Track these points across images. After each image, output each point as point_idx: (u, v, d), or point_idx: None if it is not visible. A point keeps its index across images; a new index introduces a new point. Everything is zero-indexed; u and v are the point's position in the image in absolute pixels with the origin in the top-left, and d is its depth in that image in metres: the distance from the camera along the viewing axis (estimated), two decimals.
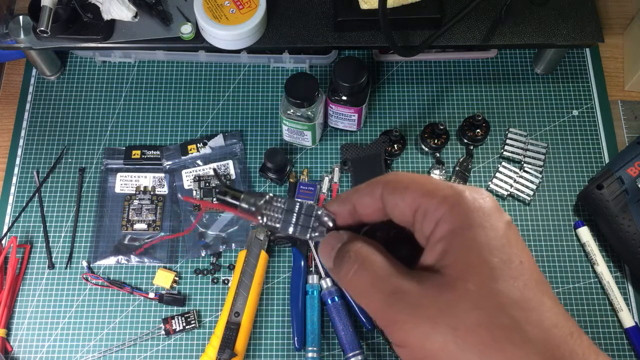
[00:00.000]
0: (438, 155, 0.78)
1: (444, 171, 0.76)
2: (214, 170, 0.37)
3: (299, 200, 0.35)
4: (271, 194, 0.34)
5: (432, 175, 0.76)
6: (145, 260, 0.73)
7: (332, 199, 0.34)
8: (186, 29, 0.73)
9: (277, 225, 0.33)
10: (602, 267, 0.72)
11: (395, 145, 0.77)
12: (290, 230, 0.33)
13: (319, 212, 0.33)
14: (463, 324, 0.26)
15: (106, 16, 0.72)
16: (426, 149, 0.78)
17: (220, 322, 0.67)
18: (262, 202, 0.34)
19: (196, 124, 0.81)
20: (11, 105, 0.83)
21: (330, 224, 0.33)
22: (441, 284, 0.27)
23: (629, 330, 0.69)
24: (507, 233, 0.28)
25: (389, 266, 0.29)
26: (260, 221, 0.34)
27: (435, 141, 0.77)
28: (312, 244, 0.72)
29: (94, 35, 0.74)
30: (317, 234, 0.33)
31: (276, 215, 0.33)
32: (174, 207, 0.75)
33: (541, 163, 0.77)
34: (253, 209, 0.34)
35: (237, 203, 0.34)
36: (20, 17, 0.74)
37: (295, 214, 0.33)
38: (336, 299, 0.69)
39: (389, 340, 0.28)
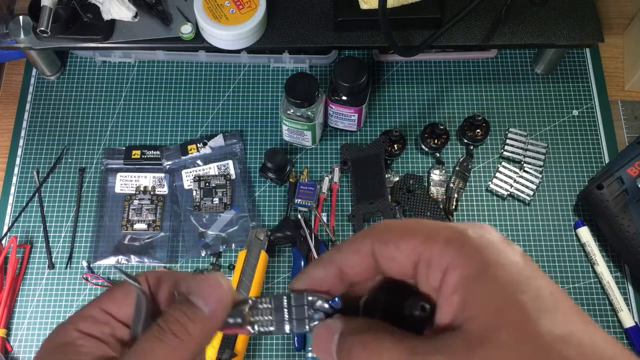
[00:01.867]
0: (438, 155, 0.78)
1: (444, 171, 0.76)
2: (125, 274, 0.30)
3: (285, 293, 0.30)
4: (253, 298, 0.30)
5: (432, 175, 0.76)
6: (145, 260, 0.73)
7: (315, 262, 0.30)
8: (186, 29, 0.73)
9: (272, 329, 0.30)
10: (602, 267, 0.72)
11: (395, 145, 0.77)
12: (287, 328, 0.29)
13: (310, 299, 0.29)
14: None
15: (106, 16, 0.72)
16: (426, 149, 0.78)
17: None
18: (247, 310, 0.29)
19: (196, 124, 0.81)
20: (11, 105, 0.82)
21: (327, 306, 0.29)
22: (470, 342, 0.23)
23: (629, 330, 0.69)
24: (526, 265, 0.24)
25: (405, 342, 0.24)
26: (252, 331, 0.30)
27: (435, 141, 0.77)
28: (312, 245, 0.72)
29: (94, 35, 0.74)
30: (316, 322, 0.29)
31: (266, 319, 0.30)
32: (174, 207, 0.75)
33: (541, 163, 0.77)
34: (239, 320, 0.29)
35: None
36: (20, 17, 0.74)
37: (285, 310, 0.30)
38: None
39: None
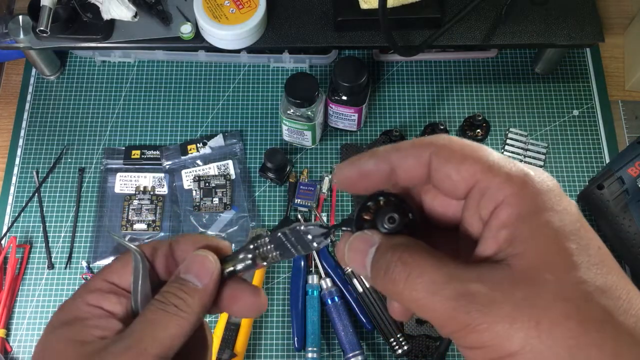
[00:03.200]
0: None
1: None
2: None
3: (279, 231, 0.33)
4: (255, 242, 0.33)
5: None
6: None
7: (366, 153, 0.28)
8: (186, 29, 0.73)
9: (279, 258, 0.33)
10: None
11: None
12: (294, 252, 0.32)
13: (302, 228, 0.31)
14: (547, 318, 0.22)
15: (106, 16, 0.72)
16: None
17: (220, 322, 0.67)
18: (254, 251, 0.32)
19: (196, 124, 0.81)
20: (11, 105, 0.82)
21: (323, 231, 0.31)
22: (513, 277, 0.23)
23: None
24: (579, 217, 0.25)
25: (445, 266, 0.24)
26: (265, 264, 0.33)
27: None
28: None
29: (93, 35, 0.74)
30: (316, 244, 0.31)
31: (273, 255, 0.32)
32: (173, 207, 0.75)
33: (541, 163, 0.77)
34: (250, 262, 0.33)
35: (233, 269, 0.33)
36: (20, 17, 0.74)
37: (287, 243, 0.32)
38: (336, 299, 0.69)
39: (459, 344, 0.24)
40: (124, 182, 0.76)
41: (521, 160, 0.77)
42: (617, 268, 0.24)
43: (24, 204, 0.76)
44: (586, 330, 0.22)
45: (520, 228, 0.24)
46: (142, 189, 0.76)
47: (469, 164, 0.26)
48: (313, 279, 0.71)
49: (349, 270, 0.70)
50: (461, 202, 0.27)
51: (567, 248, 0.24)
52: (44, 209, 0.76)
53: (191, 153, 0.77)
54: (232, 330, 0.66)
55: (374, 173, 0.28)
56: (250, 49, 0.75)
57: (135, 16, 0.73)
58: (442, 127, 0.75)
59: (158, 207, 0.75)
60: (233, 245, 0.73)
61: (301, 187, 0.75)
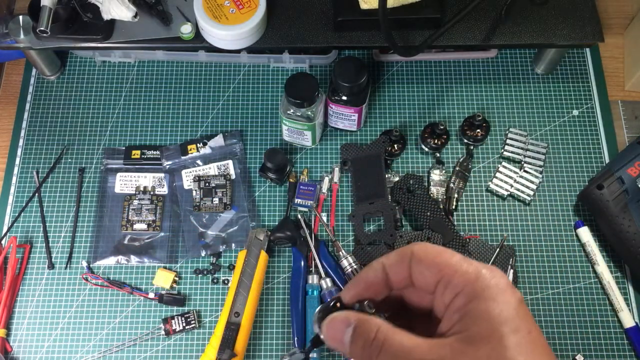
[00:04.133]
0: (438, 155, 0.78)
1: (444, 171, 0.76)
2: None
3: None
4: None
5: (432, 175, 0.76)
6: (145, 260, 0.73)
7: (366, 269, 0.37)
8: (186, 29, 0.73)
9: None
10: (602, 267, 0.72)
11: (395, 145, 0.77)
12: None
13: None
14: None
15: (106, 16, 0.72)
16: (426, 149, 0.78)
17: (220, 322, 0.67)
18: None
19: (196, 124, 0.81)
20: (11, 105, 0.82)
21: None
22: (460, 344, 0.31)
23: (629, 331, 0.69)
24: (517, 307, 0.32)
25: (410, 341, 0.32)
26: None
27: (435, 141, 0.77)
28: (312, 245, 0.72)
29: (93, 35, 0.74)
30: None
31: None
32: (173, 207, 0.75)
33: (541, 163, 0.77)
34: None
35: None
36: (20, 17, 0.74)
37: None
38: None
39: None
40: (124, 182, 0.76)
41: (521, 161, 0.77)
42: (543, 347, 0.31)
43: (24, 204, 0.76)
44: None
45: (467, 313, 0.32)
46: (142, 189, 0.76)
47: (437, 263, 0.33)
48: (313, 279, 0.71)
49: (349, 270, 0.70)
50: (432, 295, 0.35)
51: (499, 331, 0.31)
52: (44, 209, 0.76)
53: (191, 153, 0.77)
54: (232, 330, 0.66)
55: (375, 283, 0.36)
56: (250, 49, 0.75)
57: (135, 16, 0.73)
58: (442, 127, 0.75)
59: (158, 207, 0.75)
60: (233, 245, 0.73)
61: (301, 187, 0.76)
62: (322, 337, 0.34)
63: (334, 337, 0.34)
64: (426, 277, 0.34)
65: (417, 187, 0.75)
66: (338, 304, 0.35)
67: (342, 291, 0.36)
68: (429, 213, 0.73)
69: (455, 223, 0.74)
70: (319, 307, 0.35)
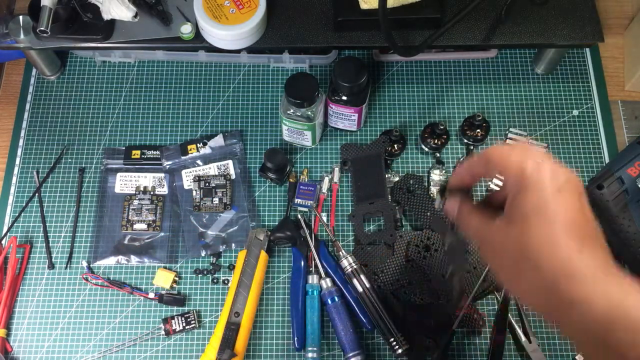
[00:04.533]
0: (438, 155, 0.78)
1: (444, 171, 0.76)
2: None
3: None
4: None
5: (432, 175, 0.76)
6: (145, 260, 0.73)
7: (459, 167, 0.52)
8: (186, 29, 0.73)
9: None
10: None
11: (395, 145, 0.77)
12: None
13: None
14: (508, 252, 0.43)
15: (106, 16, 0.72)
16: (426, 149, 0.78)
17: (220, 322, 0.67)
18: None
19: (196, 124, 0.81)
20: (11, 105, 0.83)
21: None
22: (498, 227, 0.44)
23: None
24: (548, 195, 0.41)
25: (477, 220, 0.47)
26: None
27: (435, 141, 0.77)
28: (312, 245, 0.72)
29: (94, 35, 0.74)
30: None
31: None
32: (173, 207, 0.75)
33: None
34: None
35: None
36: (20, 17, 0.74)
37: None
38: (336, 299, 0.69)
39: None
40: (124, 182, 0.76)
41: None
42: (568, 225, 0.40)
43: (24, 204, 0.76)
44: (520, 264, 0.42)
45: (512, 203, 0.43)
46: (142, 189, 0.76)
47: (501, 166, 0.44)
48: (313, 279, 0.71)
49: (349, 270, 0.70)
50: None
51: (528, 217, 0.41)
52: (44, 209, 0.76)
53: (191, 153, 0.77)
54: (232, 330, 0.66)
55: (465, 176, 0.50)
56: (250, 49, 0.75)
57: (135, 16, 0.73)
58: (442, 127, 0.75)
59: (158, 207, 0.75)
60: (233, 245, 0.73)
61: (301, 187, 0.76)
62: (441, 206, 0.53)
63: (449, 208, 0.51)
64: (501, 172, 0.45)
65: (417, 187, 0.75)
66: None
67: (449, 181, 0.52)
68: (429, 213, 0.73)
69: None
70: (439, 188, 0.62)
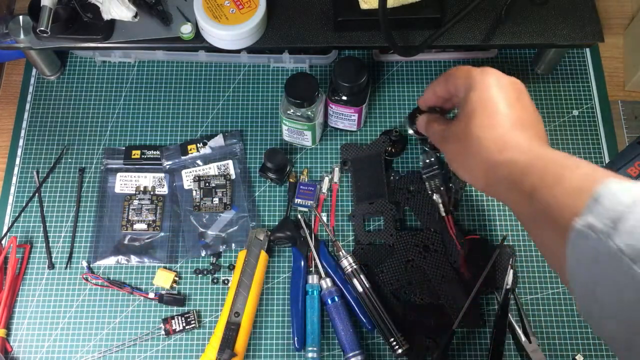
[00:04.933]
0: (439, 155, 0.78)
1: (444, 171, 0.76)
2: None
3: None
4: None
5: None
6: (145, 260, 0.73)
7: (425, 90, 0.61)
8: (186, 29, 0.73)
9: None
10: None
11: (396, 145, 0.77)
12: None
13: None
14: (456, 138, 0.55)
15: (106, 16, 0.72)
16: (426, 149, 0.78)
17: (220, 322, 0.67)
18: None
19: (196, 124, 0.81)
20: (11, 105, 0.83)
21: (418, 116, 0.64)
22: (451, 125, 0.56)
23: None
24: (491, 90, 0.52)
25: (440, 125, 0.59)
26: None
27: None
28: (312, 245, 0.72)
29: (94, 35, 0.74)
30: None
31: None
32: (174, 207, 0.75)
33: None
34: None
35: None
36: (20, 17, 0.74)
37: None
38: (336, 299, 0.69)
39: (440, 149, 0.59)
40: (124, 182, 0.76)
41: None
42: (494, 115, 0.51)
43: (24, 204, 0.76)
44: (465, 144, 0.53)
45: (462, 102, 0.54)
46: (142, 189, 0.76)
47: (457, 76, 0.55)
48: (313, 279, 0.71)
49: (349, 270, 0.70)
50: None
51: (467, 111, 0.53)
52: (44, 209, 0.76)
53: (191, 153, 0.77)
54: (232, 330, 0.66)
55: (432, 96, 0.61)
56: (250, 49, 0.75)
57: (135, 16, 0.73)
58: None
59: (158, 207, 0.75)
60: (233, 245, 0.73)
61: (301, 187, 0.76)
62: (413, 129, 0.66)
63: (419, 123, 0.63)
64: (454, 85, 0.55)
65: (417, 187, 0.75)
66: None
67: (418, 102, 0.64)
68: (429, 213, 0.73)
69: (455, 223, 0.74)
70: (408, 114, 0.67)
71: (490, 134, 0.50)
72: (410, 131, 0.68)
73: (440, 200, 0.73)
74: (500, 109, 0.50)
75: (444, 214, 0.72)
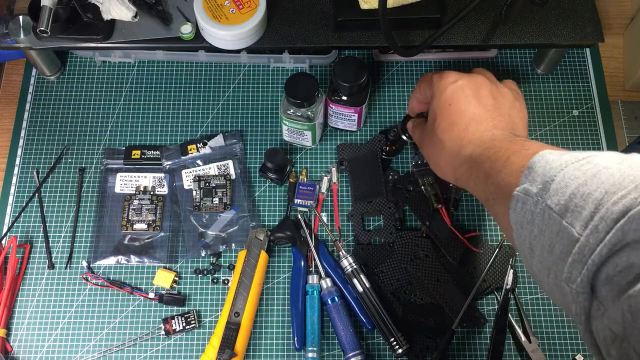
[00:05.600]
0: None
1: None
2: None
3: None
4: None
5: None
6: (145, 260, 0.73)
7: (410, 97, 0.67)
8: (186, 29, 0.73)
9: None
10: None
11: (394, 145, 0.77)
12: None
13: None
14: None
15: (106, 16, 0.72)
16: (416, 152, 0.77)
17: (220, 322, 0.67)
18: None
19: (196, 124, 0.81)
20: (11, 105, 0.83)
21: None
22: (423, 129, 0.63)
23: None
24: (448, 92, 0.58)
25: (418, 128, 0.65)
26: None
27: None
28: (312, 245, 0.72)
29: (94, 35, 0.74)
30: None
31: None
32: (173, 207, 0.75)
33: None
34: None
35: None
36: (20, 17, 0.74)
37: None
38: (336, 299, 0.69)
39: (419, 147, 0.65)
40: (124, 182, 0.76)
41: None
42: (457, 117, 0.56)
43: (24, 204, 0.76)
44: (431, 141, 0.60)
45: (430, 108, 0.60)
46: (142, 189, 0.76)
47: (428, 83, 0.61)
48: (313, 279, 0.71)
49: (349, 270, 0.70)
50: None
51: (434, 113, 0.59)
52: (44, 209, 0.76)
53: (191, 153, 0.77)
54: (232, 330, 0.66)
55: (415, 103, 0.66)
56: (250, 49, 0.75)
57: (135, 16, 0.73)
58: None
59: (158, 207, 0.75)
60: (233, 245, 0.73)
61: (300, 187, 0.76)
62: (405, 135, 0.70)
63: (407, 127, 0.68)
64: (423, 92, 0.62)
65: (416, 186, 0.75)
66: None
67: (408, 109, 0.68)
68: (427, 211, 0.73)
69: (456, 222, 0.74)
70: (401, 120, 0.71)
71: (449, 135, 0.56)
72: (404, 137, 0.71)
73: (433, 193, 0.73)
74: (456, 109, 0.56)
75: (437, 206, 0.72)
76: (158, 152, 0.78)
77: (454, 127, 0.56)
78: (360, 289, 0.69)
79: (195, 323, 0.70)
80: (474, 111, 0.56)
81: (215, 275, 0.73)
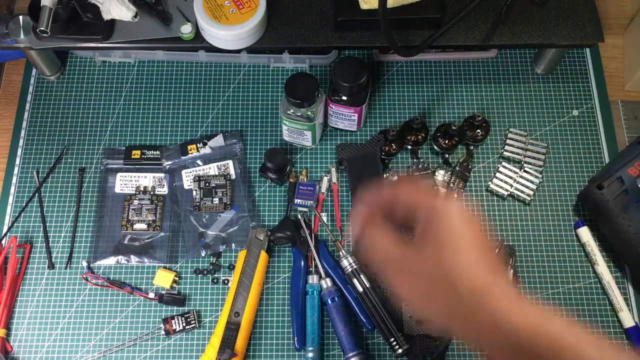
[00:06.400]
0: (447, 156, 0.77)
1: (449, 172, 0.76)
2: None
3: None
4: None
5: (436, 175, 0.76)
6: (145, 260, 0.73)
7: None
8: (186, 29, 0.73)
9: None
10: (602, 267, 0.72)
11: (393, 145, 0.77)
12: None
13: None
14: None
15: (106, 16, 0.72)
16: (437, 149, 0.77)
17: (220, 322, 0.67)
18: None
19: (196, 124, 0.81)
20: (11, 105, 0.82)
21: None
22: (415, 249, 0.45)
23: (629, 331, 0.69)
24: (459, 225, 0.44)
25: (387, 236, 0.48)
26: None
27: (447, 142, 0.76)
28: (312, 245, 0.72)
29: (94, 35, 0.74)
30: None
31: None
32: (173, 207, 0.75)
33: (541, 163, 0.77)
34: None
35: None
36: (20, 17, 0.74)
37: None
38: (336, 299, 0.69)
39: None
40: (124, 182, 0.76)
41: (521, 161, 0.77)
42: (461, 250, 0.43)
43: (24, 204, 0.76)
44: (434, 283, 0.44)
45: (422, 230, 0.45)
46: (142, 189, 0.76)
47: (414, 203, 0.48)
48: (313, 279, 0.71)
49: (349, 270, 0.70)
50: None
51: (438, 239, 0.44)
52: (44, 209, 0.76)
53: (191, 153, 0.77)
54: (232, 330, 0.66)
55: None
56: (250, 49, 0.75)
57: (135, 16, 0.73)
58: (454, 128, 0.74)
59: (158, 207, 0.75)
60: (233, 245, 0.73)
61: (300, 187, 0.76)
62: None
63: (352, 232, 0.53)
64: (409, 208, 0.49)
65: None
66: None
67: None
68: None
69: None
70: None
71: (471, 278, 0.43)
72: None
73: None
74: (475, 248, 0.45)
75: None
76: (158, 152, 0.78)
77: (477, 270, 0.45)
78: (360, 289, 0.69)
79: (195, 323, 0.70)
80: (493, 257, 0.46)
81: (215, 275, 0.73)
